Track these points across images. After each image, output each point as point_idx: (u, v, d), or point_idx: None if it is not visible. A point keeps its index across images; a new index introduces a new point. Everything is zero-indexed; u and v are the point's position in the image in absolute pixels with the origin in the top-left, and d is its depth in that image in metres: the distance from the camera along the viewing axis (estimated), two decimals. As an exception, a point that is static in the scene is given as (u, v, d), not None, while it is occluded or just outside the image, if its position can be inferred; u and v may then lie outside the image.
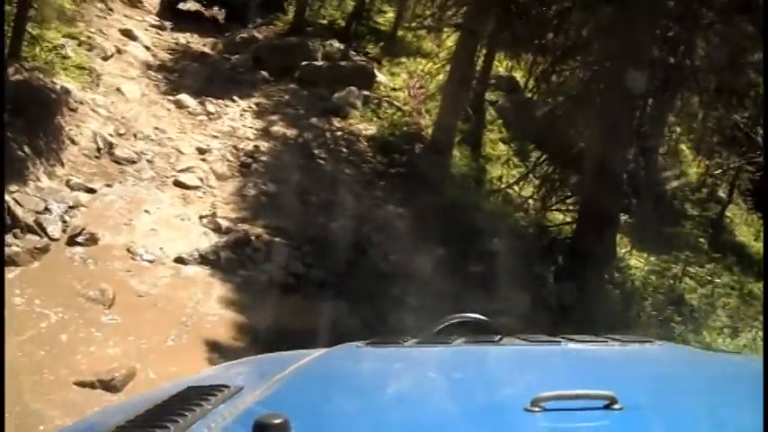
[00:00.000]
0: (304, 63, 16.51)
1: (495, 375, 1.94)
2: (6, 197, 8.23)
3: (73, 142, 10.40)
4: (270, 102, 14.99)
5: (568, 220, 13.93)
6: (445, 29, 20.17)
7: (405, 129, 15.42)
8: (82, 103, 11.29)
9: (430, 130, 15.83)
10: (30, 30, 11.10)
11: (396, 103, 16.61)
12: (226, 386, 1.71)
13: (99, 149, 10.52)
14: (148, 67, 14.57)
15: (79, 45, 13.34)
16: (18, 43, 10.33)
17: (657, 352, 2.29)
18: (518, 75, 22.74)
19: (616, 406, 1.40)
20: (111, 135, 10.98)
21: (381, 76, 17.69)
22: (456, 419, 1.49)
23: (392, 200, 12.24)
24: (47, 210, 8.88)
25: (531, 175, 15.95)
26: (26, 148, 9.42)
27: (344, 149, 13.59)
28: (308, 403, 1.67)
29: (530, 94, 21.98)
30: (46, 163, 9.70)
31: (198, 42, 18.79)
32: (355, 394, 1.79)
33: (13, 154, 9.11)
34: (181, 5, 20.88)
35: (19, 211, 8.32)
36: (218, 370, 2.87)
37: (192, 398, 1.63)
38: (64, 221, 8.87)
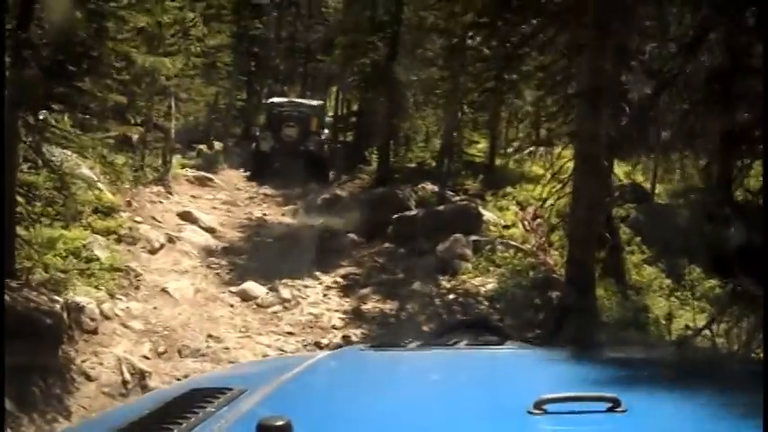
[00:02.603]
0: (396, 216, 13.22)
1: (497, 378, 1.84)
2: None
3: (88, 378, 7.15)
4: (361, 270, 11.64)
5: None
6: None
7: (531, 274, 11.70)
8: (107, 318, 8.15)
9: (562, 270, 12.10)
10: (26, 233, 8.19)
11: (513, 243, 12.98)
12: (229, 388, 1.64)
13: (125, 382, 7.21)
14: (209, 253, 11.52)
15: (117, 241, 10.44)
16: (5, 254, 7.34)
17: (660, 356, 2.42)
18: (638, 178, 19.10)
19: (619, 409, 1.35)
20: (145, 357, 7.71)
21: (488, 214, 14.21)
22: (459, 422, 1.42)
23: (539, 380, 8.36)
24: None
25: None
26: (7, 403, 6.18)
27: (462, 318, 9.93)
28: (311, 406, 1.61)
29: (660, 200, 18.18)
30: (40, 419, 6.43)
31: (275, 213, 15.91)
32: (358, 397, 1.69)
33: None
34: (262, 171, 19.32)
35: None
36: (221, 372, 3.28)
37: (195, 400, 1.57)
38: None
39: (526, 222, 14.68)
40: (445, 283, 11.14)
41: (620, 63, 12.81)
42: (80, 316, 7.68)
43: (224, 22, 22.07)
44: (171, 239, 11.21)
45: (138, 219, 11.62)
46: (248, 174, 19.96)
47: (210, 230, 12.87)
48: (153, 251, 10.62)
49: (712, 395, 1.63)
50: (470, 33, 17.55)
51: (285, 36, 29.86)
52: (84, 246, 9.38)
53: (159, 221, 12.32)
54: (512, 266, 11.93)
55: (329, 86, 31.76)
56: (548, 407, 1.35)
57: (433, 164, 18.13)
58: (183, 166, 18.38)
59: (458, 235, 12.34)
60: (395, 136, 19.02)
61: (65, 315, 7.33)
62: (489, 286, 11.03)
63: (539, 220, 15.05)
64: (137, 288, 9.29)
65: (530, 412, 1.35)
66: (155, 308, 8.89)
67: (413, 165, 18.56)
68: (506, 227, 14.05)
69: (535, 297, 10.70)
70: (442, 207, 13.64)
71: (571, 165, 13.12)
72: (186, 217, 12.94)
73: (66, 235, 9.40)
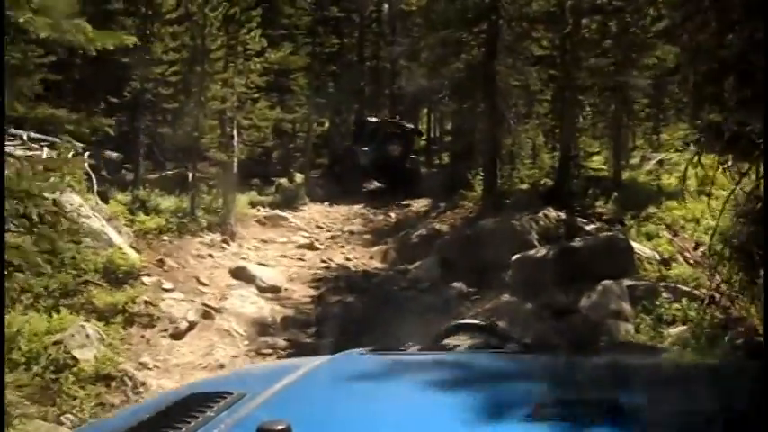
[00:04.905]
0: (516, 256, 9.23)
1: (496, 383, 1.68)
2: None
3: None
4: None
5: None
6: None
7: (726, 338, 7.49)
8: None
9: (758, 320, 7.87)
10: None
11: (682, 287, 8.82)
12: (229, 393, 1.53)
13: None
14: (262, 329, 7.84)
15: (127, 323, 6.97)
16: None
17: (660, 361, 2.27)
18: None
19: (618, 413, 1.29)
20: None
21: (636, 246, 10.07)
22: (458, 427, 1.33)
23: None
24: None
25: None
26: None
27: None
28: (311, 410, 1.49)
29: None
30: None
31: (361, 256, 12.21)
32: (357, 401, 1.57)
33: None
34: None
35: None
36: (221, 377, 3.03)
37: (195, 404, 1.47)
38: None
39: (688, 254, 10.45)
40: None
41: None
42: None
43: (298, 44, 18.77)
44: (207, 314, 7.61)
45: (166, 285, 8.12)
46: (340, 191, 18.07)
47: (273, 290, 9.26)
48: (177, 335, 7.06)
49: (712, 399, 1.51)
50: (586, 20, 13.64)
51: (368, 55, 26.33)
52: (55, 343, 5.87)
53: (203, 284, 8.80)
54: (693, 324, 7.79)
55: (418, 108, 28.12)
56: (547, 411, 1.29)
57: (550, 183, 14.05)
58: (254, 205, 14.98)
59: (607, 282, 8.30)
60: (498, 153, 15.05)
61: None
62: (670, 362, 6.90)
63: (702, 249, 10.84)
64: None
65: (529, 416, 1.28)
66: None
67: (524, 186, 14.50)
68: (664, 262, 9.88)
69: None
70: (578, 241, 9.54)
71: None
72: (240, 275, 9.37)
73: (33, 326, 5.94)
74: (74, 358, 5.80)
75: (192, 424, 1.36)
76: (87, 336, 6.17)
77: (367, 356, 2.04)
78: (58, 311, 6.68)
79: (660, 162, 15.96)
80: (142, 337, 6.90)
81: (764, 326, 7.27)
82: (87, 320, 6.61)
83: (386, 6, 28.17)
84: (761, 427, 1.27)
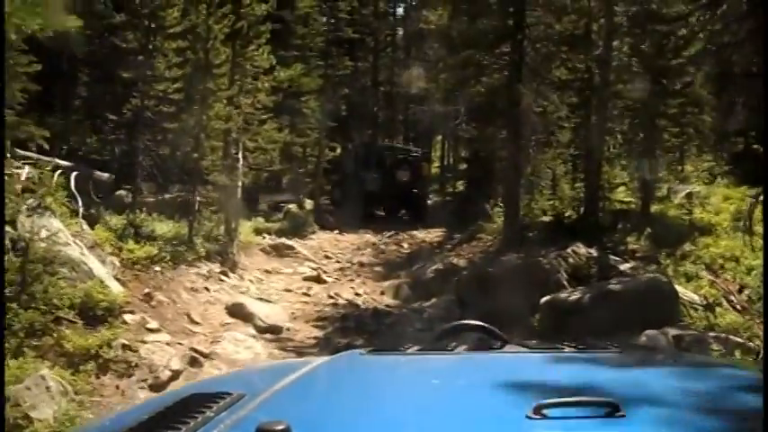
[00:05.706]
0: (546, 299, 8.20)
1: (496, 383, 1.66)
2: None
3: None
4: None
5: None
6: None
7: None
8: None
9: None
10: None
11: (733, 337, 7.75)
12: (228, 393, 1.52)
13: None
14: (257, 376, 6.87)
15: (100, 370, 5.97)
16: None
17: (659, 360, 2.25)
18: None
19: (618, 414, 1.26)
20: None
21: (678, 288, 9.01)
22: (458, 427, 1.32)
23: None
24: None
25: None
26: None
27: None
28: (310, 410, 1.49)
29: None
30: None
31: (371, 291, 11.20)
32: (357, 402, 1.57)
33: None
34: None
35: None
36: (221, 377, 2.91)
37: (194, 405, 1.45)
38: None
39: (733, 298, 9.38)
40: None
41: None
42: None
43: (311, 65, 17.93)
44: (194, 360, 6.58)
45: (151, 324, 7.10)
46: (351, 219, 17.39)
47: (273, 331, 8.24)
48: (157, 386, 6.02)
49: (712, 399, 1.52)
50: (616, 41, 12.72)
51: (382, 79, 25.53)
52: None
53: (195, 323, 7.80)
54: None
55: (432, 135, 27.28)
56: (547, 411, 1.26)
57: (574, 216, 13.02)
58: (260, 232, 14.02)
59: (651, 332, 7.29)
60: (519, 182, 14.05)
61: None
62: None
63: (747, 293, 9.78)
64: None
65: (529, 417, 1.26)
66: None
67: (547, 218, 13.46)
68: (708, 307, 8.82)
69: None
70: (615, 283, 8.50)
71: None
72: (237, 312, 8.37)
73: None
74: (27, 417, 4.81)
75: (192, 424, 1.31)
76: (48, 388, 5.16)
77: (366, 357, 1.97)
78: (21, 355, 5.72)
79: (689, 195, 14.88)
80: (117, 388, 5.88)
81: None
82: (52, 367, 5.62)
83: (401, 31, 27.44)
84: (762, 428, 1.21)
